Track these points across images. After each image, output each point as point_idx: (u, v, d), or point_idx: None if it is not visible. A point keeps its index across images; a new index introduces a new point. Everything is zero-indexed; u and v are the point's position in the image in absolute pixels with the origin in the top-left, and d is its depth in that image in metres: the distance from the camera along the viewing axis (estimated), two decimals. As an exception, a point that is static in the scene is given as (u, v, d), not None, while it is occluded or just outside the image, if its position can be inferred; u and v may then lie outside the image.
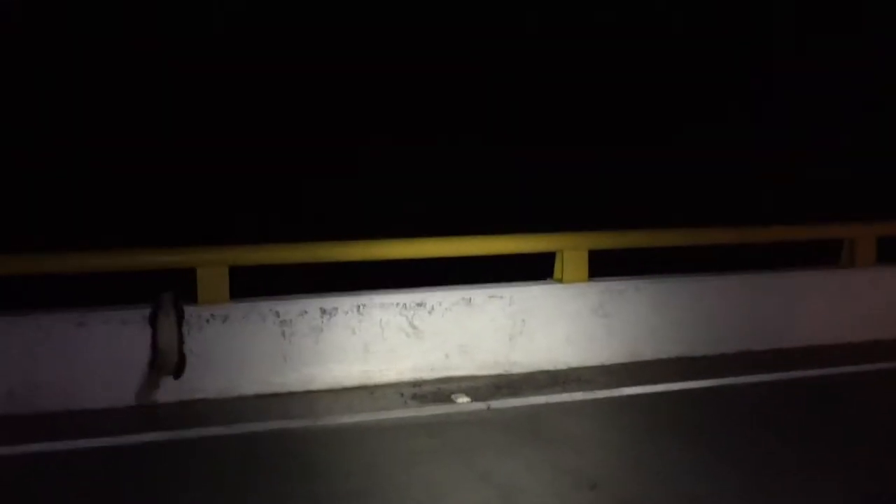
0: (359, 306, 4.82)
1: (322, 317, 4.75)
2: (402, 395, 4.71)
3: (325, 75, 9.48)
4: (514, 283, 5.23)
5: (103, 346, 4.42)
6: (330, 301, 4.79)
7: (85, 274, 4.56)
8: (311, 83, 9.51)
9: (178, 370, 4.40)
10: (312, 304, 4.75)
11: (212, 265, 4.66)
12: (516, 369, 5.12)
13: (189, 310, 4.54)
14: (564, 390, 4.80)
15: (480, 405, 4.52)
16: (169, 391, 4.49)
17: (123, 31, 9.01)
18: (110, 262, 4.61)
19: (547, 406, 4.53)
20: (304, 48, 9.51)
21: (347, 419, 4.32)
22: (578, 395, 4.69)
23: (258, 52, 9.30)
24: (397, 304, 4.90)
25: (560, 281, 5.32)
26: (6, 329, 4.29)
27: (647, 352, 5.40)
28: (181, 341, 4.41)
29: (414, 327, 4.92)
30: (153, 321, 4.38)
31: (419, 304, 4.93)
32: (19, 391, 4.31)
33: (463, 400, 4.61)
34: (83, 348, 4.39)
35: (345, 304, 4.80)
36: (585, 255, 5.35)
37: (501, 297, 5.10)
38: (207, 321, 4.56)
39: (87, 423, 4.20)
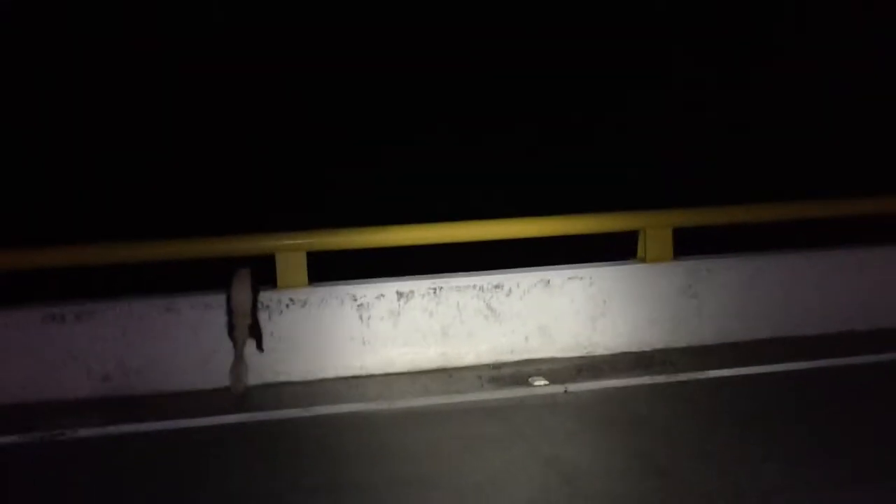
0: (435, 289, 4.83)
1: (399, 300, 4.79)
2: (479, 377, 4.70)
3: (394, 69, 9.51)
4: (594, 264, 5.11)
5: (190, 330, 4.60)
6: (407, 284, 4.82)
7: (168, 262, 4.75)
8: (378, 73, 9.56)
9: (255, 335, 4.52)
10: (389, 288, 4.79)
11: (290, 250, 4.77)
12: (598, 351, 5.02)
13: (269, 295, 4.67)
14: (647, 373, 4.67)
15: (558, 388, 4.46)
16: (253, 374, 4.64)
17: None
18: (193, 250, 4.78)
19: (627, 389, 4.42)
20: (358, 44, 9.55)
21: (423, 402, 4.35)
22: (661, 378, 4.56)
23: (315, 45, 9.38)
24: (474, 287, 4.88)
25: (643, 260, 5.16)
26: (102, 315, 4.52)
27: (737, 333, 5.17)
28: (255, 307, 4.52)
29: (492, 310, 4.90)
30: (228, 286, 4.51)
31: (496, 287, 4.90)
32: (115, 374, 4.55)
33: (540, 383, 4.56)
34: (172, 333, 4.59)
35: (421, 287, 4.82)
36: (670, 234, 5.16)
37: (581, 279, 5.00)
38: (287, 306, 4.67)
39: (176, 406, 4.39)
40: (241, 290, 4.52)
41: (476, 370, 4.81)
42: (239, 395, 4.45)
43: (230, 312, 4.51)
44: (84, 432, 4.07)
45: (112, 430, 4.11)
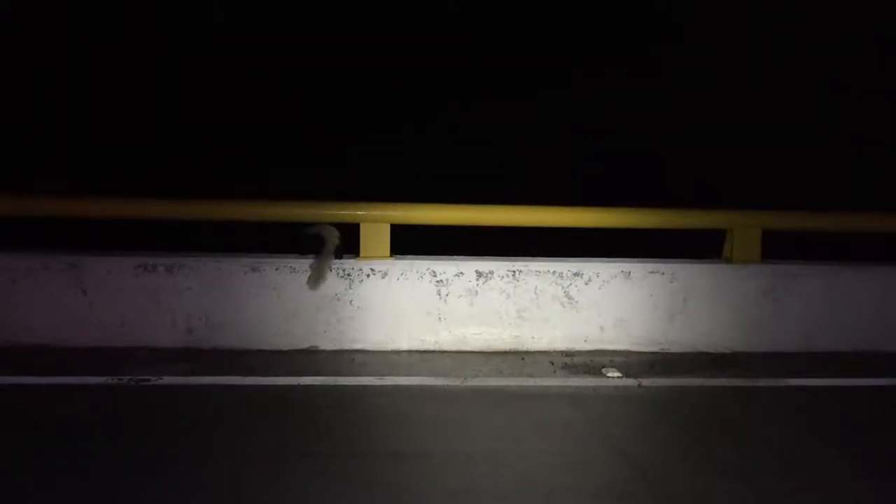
0: (514, 272, 4.89)
1: (478, 279, 4.87)
2: (552, 363, 4.75)
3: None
4: (677, 260, 5.09)
5: (273, 291, 4.78)
6: (486, 264, 4.90)
7: (255, 222, 4.92)
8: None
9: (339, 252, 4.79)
10: (469, 266, 4.88)
11: (375, 221, 4.90)
12: (674, 348, 5.01)
13: (351, 263, 4.81)
14: (723, 374, 4.64)
15: (631, 381, 4.48)
16: (331, 340, 4.80)
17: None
18: (282, 212, 4.94)
19: (702, 389, 4.41)
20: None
21: (494, 382, 4.43)
22: (738, 381, 4.53)
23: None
24: (553, 273, 4.92)
25: (729, 261, 5.12)
26: (191, 269, 4.73)
27: (822, 342, 5.09)
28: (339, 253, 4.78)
29: (569, 297, 4.94)
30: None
31: (576, 274, 4.93)
32: (198, 327, 4.77)
33: (614, 374, 4.59)
34: (256, 292, 4.78)
35: (501, 268, 4.89)
36: (758, 235, 5.11)
37: (662, 273, 4.99)
38: (368, 275, 4.81)
39: (255, 363, 4.58)
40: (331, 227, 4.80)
41: (549, 356, 4.87)
42: (313, 289, 4.71)
43: (322, 237, 4.77)
44: (167, 380, 4.28)
45: (193, 380, 4.31)
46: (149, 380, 4.26)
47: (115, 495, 2.99)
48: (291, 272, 4.77)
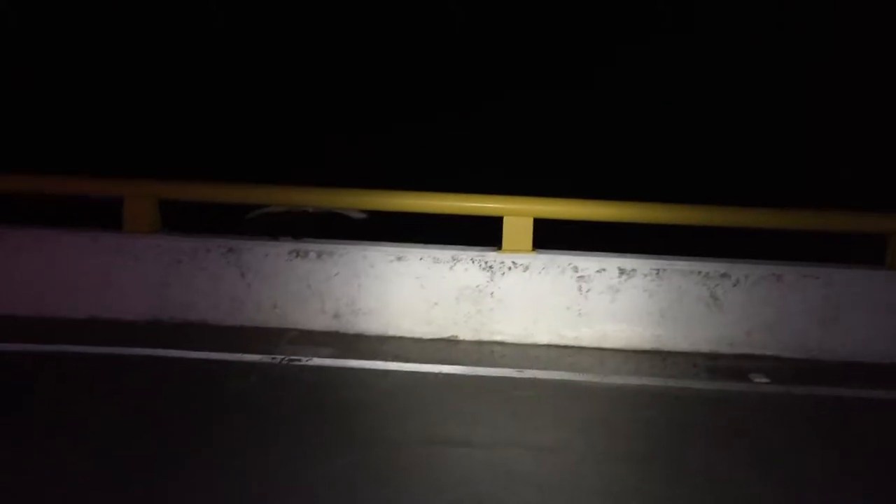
0: (658, 270, 4.91)
1: (620, 276, 4.92)
2: (695, 365, 4.75)
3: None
4: (832, 264, 4.96)
5: (416, 281, 5.00)
6: (629, 262, 4.94)
7: (400, 213, 5.16)
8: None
9: None
10: (611, 263, 4.94)
11: (518, 215, 5.03)
12: (826, 357, 4.89)
13: (493, 256, 4.97)
14: (881, 388, 4.51)
15: (779, 388, 4.43)
16: (471, 330, 4.99)
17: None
18: (424, 204, 5.15)
19: (856, 401, 4.31)
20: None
21: (634, 381, 4.48)
22: (897, 395, 4.40)
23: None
24: (699, 273, 4.91)
25: (893, 267, 4.94)
26: (340, 257, 5.03)
27: None
28: None
29: (715, 298, 4.91)
30: None
31: (722, 275, 4.90)
32: (344, 313, 5.06)
33: (761, 380, 4.54)
34: (400, 281, 5.02)
35: (644, 266, 4.92)
36: (927, 241, 4.90)
37: (817, 278, 4.88)
38: (510, 268, 4.95)
39: (398, 350, 4.83)
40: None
41: (691, 357, 4.87)
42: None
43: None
44: (316, 361, 4.59)
45: (340, 362, 4.60)
46: (300, 360, 4.58)
47: (267, 469, 3.29)
48: (434, 262, 4.98)
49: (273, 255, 5.03)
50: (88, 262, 5.03)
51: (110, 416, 3.73)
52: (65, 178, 5.25)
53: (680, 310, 4.93)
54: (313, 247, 5.05)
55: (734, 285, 4.89)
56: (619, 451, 3.58)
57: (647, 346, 4.94)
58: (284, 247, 5.04)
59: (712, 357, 4.87)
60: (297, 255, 5.03)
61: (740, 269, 4.91)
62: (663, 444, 3.69)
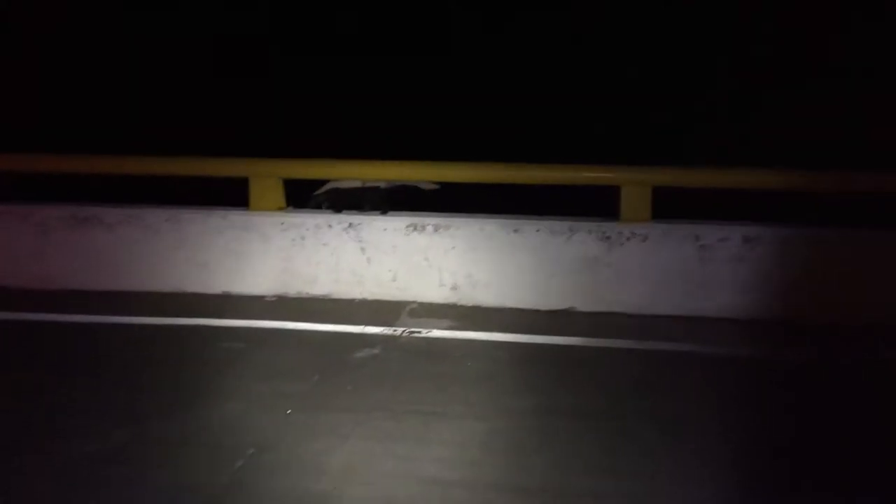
0: (786, 238, 4.76)
1: (744, 245, 4.80)
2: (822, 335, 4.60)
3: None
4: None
5: (532, 253, 5.03)
6: (754, 230, 4.81)
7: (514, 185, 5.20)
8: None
9: None
10: (735, 232, 4.81)
11: (635, 184, 4.98)
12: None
13: (611, 227, 4.94)
14: None
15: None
16: (588, 301, 4.99)
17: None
18: (542, 175, 5.17)
19: None
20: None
21: (756, 351, 4.39)
22: None
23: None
24: (831, 239, 4.73)
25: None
26: (456, 229, 5.10)
27: None
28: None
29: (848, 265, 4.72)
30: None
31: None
32: (461, 285, 5.15)
33: None
34: (517, 253, 5.06)
35: (767, 234, 4.78)
36: None
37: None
38: (628, 239, 4.91)
39: (517, 321, 4.88)
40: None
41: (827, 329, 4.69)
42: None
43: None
44: (436, 333, 4.71)
45: (459, 334, 4.69)
46: (420, 331, 4.70)
47: (396, 434, 3.43)
48: (551, 234, 4.99)
49: (391, 230, 5.16)
50: (220, 239, 5.30)
51: (248, 386, 3.95)
52: (193, 159, 5.51)
53: (807, 279, 4.76)
54: (430, 220, 5.15)
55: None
56: (738, 425, 3.53)
57: (774, 317, 4.80)
58: (402, 221, 5.16)
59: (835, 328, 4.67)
60: (415, 228, 5.14)
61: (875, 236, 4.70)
62: (789, 424, 3.61)
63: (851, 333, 4.58)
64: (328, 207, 5.41)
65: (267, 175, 5.36)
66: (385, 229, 5.17)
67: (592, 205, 5.18)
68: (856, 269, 4.72)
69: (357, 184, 5.44)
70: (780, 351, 4.40)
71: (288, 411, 3.65)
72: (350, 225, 5.20)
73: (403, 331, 4.71)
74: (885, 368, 4.17)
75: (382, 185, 5.44)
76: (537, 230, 5.00)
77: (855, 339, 4.52)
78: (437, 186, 5.44)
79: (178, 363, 4.24)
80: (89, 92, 9.37)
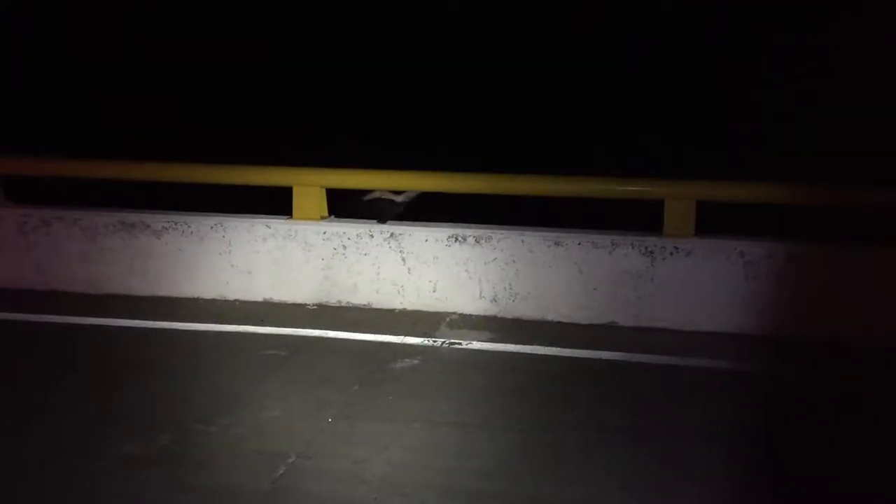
0: (834, 256, 4.68)
1: (788, 261, 4.73)
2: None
3: None
4: None
5: (574, 266, 5.01)
6: (799, 247, 4.74)
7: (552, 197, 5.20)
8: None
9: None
10: (779, 249, 4.75)
11: (679, 199, 4.94)
12: None
13: (654, 241, 4.90)
14: None
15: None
16: (630, 316, 4.96)
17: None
18: (579, 188, 5.17)
19: None
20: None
21: (805, 370, 4.32)
22: None
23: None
24: (882, 259, 4.64)
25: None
26: (498, 242, 5.10)
27: None
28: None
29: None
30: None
31: None
32: (501, 297, 5.14)
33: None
34: (558, 265, 5.05)
35: (816, 251, 4.71)
36: None
37: None
38: (671, 254, 4.87)
39: (557, 335, 4.86)
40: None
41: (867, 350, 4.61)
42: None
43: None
44: (476, 345, 4.71)
45: (500, 346, 4.70)
46: (460, 343, 4.71)
47: (440, 445, 3.43)
48: (593, 247, 4.97)
49: (432, 241, 5.18)
50: (263, 247, 5.37)
51: (289, 394, 3.99)
52: (237, 167, 5.59)
53: (854, 296, 4.67)
54: (471, 232, 5.16)
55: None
56: (781, 435, 3.48)
57: (820, 337, 4.70)
58: (444, 232, 5.18)
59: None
60: (456, 240, 5.16)
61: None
62: (823, 440, 3.55)
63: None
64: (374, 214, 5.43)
65: (310, 184, 5.42)
66: (426, 240, 5.19)
67: (632, 216, 5.15)
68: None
69: (373, 196, 5.51)
70: (818, 371, 4.33)
71: (329, 420, 3.67)
72: (392, 235, 5.23)
73: (443, 342, 4.72)
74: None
75: (399, 198, 5.50)
76: (579, 243, 4.99)
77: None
78: (409, 198, 5.47)
79: (221, 369, 4.31)
80: (114, 96, 9.52)
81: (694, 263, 4.85)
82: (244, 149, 6.96)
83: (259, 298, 5.40)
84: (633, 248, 4.91)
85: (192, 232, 5.43)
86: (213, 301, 5.40)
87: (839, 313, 4.69)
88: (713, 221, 4.98)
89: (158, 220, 5.47)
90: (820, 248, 4.73)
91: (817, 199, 4.88)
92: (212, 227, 5.42)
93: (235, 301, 5.40)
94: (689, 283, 4.88)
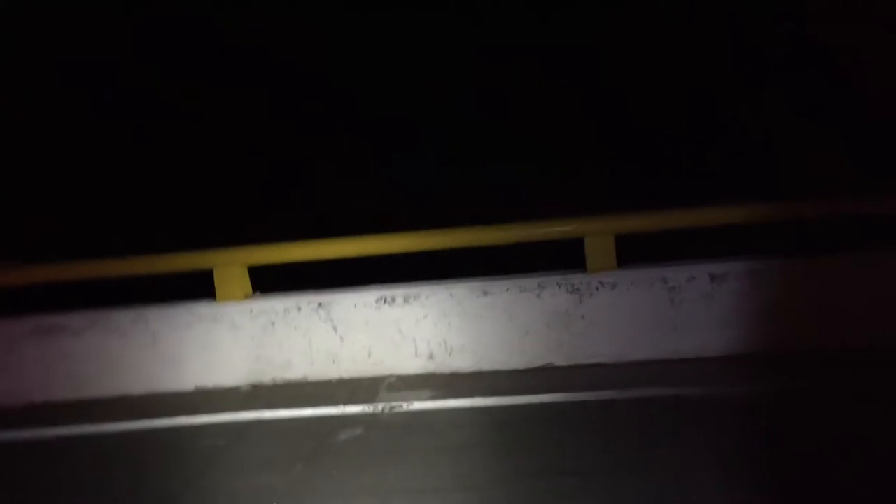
0: (752, 272, 4.82)
1: (712, 283, 4.85)
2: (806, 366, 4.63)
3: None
4: None
5: (504, 313, 5.04)
6: (721, 267, 4.87)
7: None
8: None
9: None
10: (701, 271, 4.87)
11: (598, 234, 5.02)
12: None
13: (579, 278, 4.97)
14: None
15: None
16: (565, 356, 4.99)
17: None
18: (501, 236, 5.20)
19: None
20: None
21: (742, 388, 4.40)
22: None
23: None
24: (796, 269, 4.80)
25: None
26: (426, 298, 5.10)
27: None
28: None
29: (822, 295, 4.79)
30: None
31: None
32: (437, 354, 5.13)
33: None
34: (488, 315, 5.06)
35: (737, 269, 4.84)
36: None
37: None
38: (597, 289, 4.94)
39: (495, 383, 4.86)
40: None
41: (804, 359, 4.73)
42: None
43: None
44: (418, 405, 4.67)
45: (440, 404, 4.67)
46: (401, 406, 4.66)
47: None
48: (521, 291, 5.01)
49: (361, 305, 5.15)
50: (189, 334, 5.25)
51: (232, 484, 3.86)
52: (154, 256, 5.46)
53: (782, 309, 4.80)
54: (399, 291, 5.15)
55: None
56: (733, 459, 3.52)
57: (749, 350, 4.83)
58: (372, 295, 5.15)
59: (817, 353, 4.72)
60: (385, 301, 5.14)
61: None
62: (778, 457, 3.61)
63: (829, 361, 4.61)
64: None
65: (230, 263, 5.33)
66: (355, 305, 5.16)
67: (562, 253, 5.21)
68: (824, 296, 4.77)
69: None
70: (759, 385, 4.42)
71: (273, 505, 3.57)
72: (320, 305, 5.18)
73: (384, 407, 4.67)
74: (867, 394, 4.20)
75: None
76: (507, 289, 5.02)
77: (833, 367, 4.54)
78: None
79: (157, 467, 4.17)
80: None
81: (620, 296, 4.93)
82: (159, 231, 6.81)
83: (191, 387, 5.25)
84: (559, 287, 4.97)
85: (112, 328, 5.28)
86: (142, 397, 5.23)
87: (767, 328, 4.81)
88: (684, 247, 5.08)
89: (76, 320, 5.30)
90: (740, 264, 4.86)
91: (736, 218, 4.98)
92: (133, 321, 5.28)
93: (166, 393, 5.24)
94: (618, 316, 4.95)
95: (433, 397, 4.76)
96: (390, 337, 5.14)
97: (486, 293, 5.05)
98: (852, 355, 4.60)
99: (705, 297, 4.86)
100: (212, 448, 4.32)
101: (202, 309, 5.28)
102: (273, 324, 5.22)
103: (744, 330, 4.85)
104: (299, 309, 5.20)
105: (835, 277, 4.79)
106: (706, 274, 4.87)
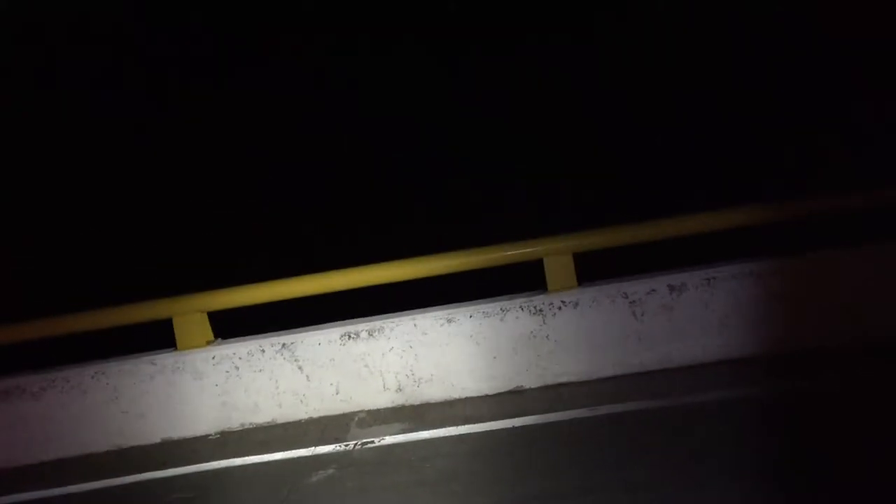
0: (709, 280, 4.88)
1: (671, 294, 4.90)
2: (768, 371, 4.68)
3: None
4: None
5: (470, 340, 5.03)
6: (678, 277, 4.92)
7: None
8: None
9: None
10: (660, 282, 4.92)
11: (557, 254, 5.05)
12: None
13: (541, 299, 4.99)
14: None
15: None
16: (534, 377, 4.99)
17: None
18: (462, 262, 5.18)
19: None
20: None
21: (710, 396, 4.44)
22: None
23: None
24: (750, 273, 4.87)
25: None
26: (390, 331, 5.08)
27: None
28: None
29: (774, 295, 4.86)
30: None
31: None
32: (406, 385, 5.10)
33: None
34: (454, 342, 5.05)
35: (694, 278, 4.90)
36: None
37: None
38: (560, 308, 4.96)
39: (466, 411, 4.84)
40: None
41: (759, 362, 4.79)
42: None
43: None
44: (389, 439, 4.63)
45: (413, 436, 4.63)
46: (372, 441, 4.62)
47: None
48: (485, 316, 5.01)
49: (325, 343, 5.11)
50: (151, 385, 5.15)
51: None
52: (112, 309, 5.36)
53: (739, 315, 4.87)
54: (363, 326, 5.12)
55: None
56: (707, 471, 3.53)
57: (712, 357, 4.88)
58: (336, 331, 5.11)
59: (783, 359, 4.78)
60: (349, 337, 5.10)
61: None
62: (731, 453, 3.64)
63: (795, 363, 4.67)
64: None
65: (189, 311, 5.26)
66: (319, 343, 5.11)
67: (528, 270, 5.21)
68: (784, 297, 4.84)
69: None
70: (728, 392, 4.45)
71: (248, 557, 3.50)
72: (283, 346, 5.13)
73: (355, 444, 4.62)
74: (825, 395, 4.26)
75: None
76: (470, 315, 5.02)
77: (798, 368, 4.60)
78: None
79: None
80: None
81: (583, 313, 4.95)
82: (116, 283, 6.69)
83: (157, 440, 5.15)
84: (522, 310, 4.98)
85: (72, 386, 5.17)
86: (107, 454, 5.12)
87: (726, 334, 4.87)
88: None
89: (33, 381, 5.18)
90: (696, 273, 4.91)
91: (691, 228, 5.03)
92: (93, 377, 5.17)
93: (133, 448, 5.13)
94: (582, 334, 4.97)
95: (404, 430, 4.72)
96: (357, 372, 5.10)
97: (449, 321, 5.04)
98: (807, 357, 4.66)
99: (665, 308, 4.90)
100: (182, 501, 4.23)
101: (164, 359, 5.19)
102: (237, 368, 5.15)
103: (705, 338, 4.89)
104: (263, 351, 5.14)
105: (792, 281, 4.86)
106: (665, 285, 4.92)
